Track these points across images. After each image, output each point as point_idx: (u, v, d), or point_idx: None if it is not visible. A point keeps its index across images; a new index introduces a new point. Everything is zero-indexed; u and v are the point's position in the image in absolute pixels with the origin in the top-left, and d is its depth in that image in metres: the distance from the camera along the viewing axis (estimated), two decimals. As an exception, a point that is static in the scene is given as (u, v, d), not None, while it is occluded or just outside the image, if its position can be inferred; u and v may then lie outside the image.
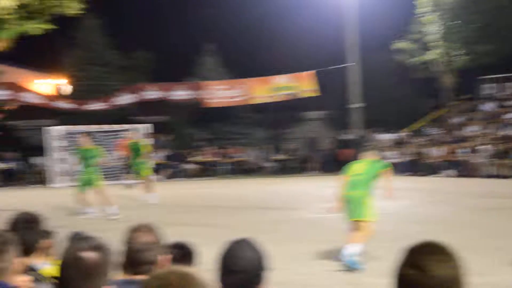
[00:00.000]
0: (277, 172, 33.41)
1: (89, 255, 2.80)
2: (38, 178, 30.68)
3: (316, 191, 22.66)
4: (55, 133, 28.28)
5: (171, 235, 4.96)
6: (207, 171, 32.99)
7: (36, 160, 30.81)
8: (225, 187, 26.33)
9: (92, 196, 16.58)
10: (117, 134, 30.08)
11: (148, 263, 3.46)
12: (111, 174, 30.20)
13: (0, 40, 4.39)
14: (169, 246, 4.52)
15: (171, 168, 31.82)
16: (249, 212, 17.10)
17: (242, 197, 21.81)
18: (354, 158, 10.51)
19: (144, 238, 3.49)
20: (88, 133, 19.83)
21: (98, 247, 2.84)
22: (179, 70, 36.88)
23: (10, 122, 36.49)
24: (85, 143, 17.06)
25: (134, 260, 3.46)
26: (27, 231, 4.05)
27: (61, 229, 6.30)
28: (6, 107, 34.95)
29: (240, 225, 14.04)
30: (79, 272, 2.76)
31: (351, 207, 9.65)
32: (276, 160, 34.07)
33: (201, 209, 18.19)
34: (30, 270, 3.87)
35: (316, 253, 10.62)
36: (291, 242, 11.81)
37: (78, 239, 2.77)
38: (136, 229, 3.54)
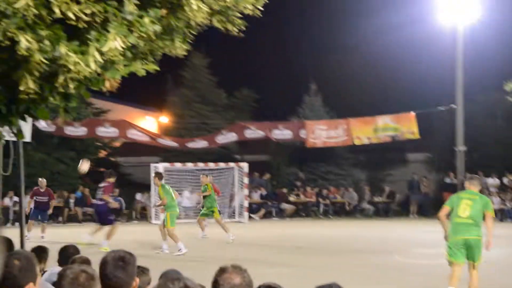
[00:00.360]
0: (376, 214, 33.03)
1: None
2: (142, 214, 31.55)
3: (414, 235, 22.28)
4: (160, 170, 28.91)
5: (262, 276, 5.09)
6: (303, 211, 32.98)
7: (140, 196, 31.68)
8: (321, 228, 26.25)
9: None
10: (220, 173, 30.73)
11: None
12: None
13: (108, 80, 4.74)
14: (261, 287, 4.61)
15: (267, 208, 32.01)
16: (344, 255, 17.00)
17: (338, 239, 21.69)
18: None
19: (234, 280, 3.44)
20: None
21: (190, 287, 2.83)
22: (282, 109, 37.33)
23: (114, 158, 37.78)
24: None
25: None
26: (119, 270, 4.15)
27: (156, 266, 6.58)
28: (112, 144, 36.39)
29: (334, 268, 14.00)
30: None
31: (473, 250, 9.69)
32: (375, 202, 33.72)
33: (296, 250, 18.21)
34: None
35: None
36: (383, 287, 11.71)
37: (169, 278, 2.86)
38: (226, 270, 3.50)
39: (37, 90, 4.74)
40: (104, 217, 18.42)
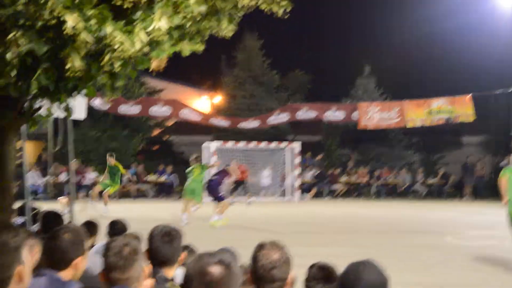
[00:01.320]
0: (429, 196, 32.72)
1: (215, 269, 2.82)
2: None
3: (467, 217, 22.04)
4: (213, 149, 29.26)
5: (313, 256, 5.17)
6: (355, 192, 32.89)
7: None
8: (373, 209, 26.15)
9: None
10: (271, 153, 30.88)
11: (277, 280, 3.47)
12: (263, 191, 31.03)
13: (154, 60, 4.82)
14: (312, 267, 4.66)
15: (318, 188, 32.00)
16: (395, 235, 16.95)
17: (389, 219, 21.59)
18: None
19: (273, 256, 3.49)
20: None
21: (224, 262, 2.85)
22: (335, 90, 37.14)
23: (166, 137, 38.23)
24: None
25: (262, 277, 3.47)
26: (165, 244, 4.31)
27: (200, 243, 6.71)
28: (165, 123, 36.83)
29: (385, 248, 13.98)
30: (204, 286, 2.79)
31: None
32: (428, 184, 33.39)
33: (347, 230, 18.25)
34: (162, 281, 4.18)
35: (464, 283, 10.44)
36: (435, 268, 11.66)
37: (204, 253, 2.93)
38: (264, 246, 3.55)
39: (84, 69, 4.87)
40: (216, 193, 18.90)
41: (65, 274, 3.94)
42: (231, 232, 17.05)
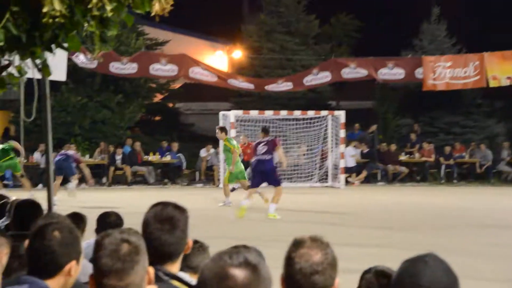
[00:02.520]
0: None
1: (238, 273, 2.80)
2: (208, 175, 31.94)
3: None
4: (231, 119, 29.10)
5: (364, 257, 5.16)
6: (418, 174, 32.77)
7: (204, 153, 31.96)
8: (442, 197, 26.07)
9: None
10: (309, 124, 30.81)
11: None
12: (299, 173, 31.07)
13: (157, 1, 4.73)
14: (369, 272, 4.63)
15: (370, 170, 31.88)
16: (473, 231, 16.87)
17: (465, 210, 21.50)
18: None
19: (314, 257, 3.42)
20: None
21: (250, 264, 2.83)
22: (392, 40, 36.92)
23: (172, 104, 38.28)
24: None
25: (300, 285, 3.41)
26: (165, 234, 4.22)
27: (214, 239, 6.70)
28: (170, 86, 36.83)
29: (459, 248, 13.93)
30: None
31: None
32: (516, 164, 33.23)
33: (407, 224, 18.20)
34: (166, 279, 4.17)
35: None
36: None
37: (226, 251, 2.90)
38: (303, 244, 3.47)
39: (66, 13, 4.85)
40: (273, 176, 19.53)
41: (54, 283, 3.93)
42: (253, 227, 17.13)
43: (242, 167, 21.78)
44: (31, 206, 6.65)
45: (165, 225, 4.21)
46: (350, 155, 31.25)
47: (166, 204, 4.34)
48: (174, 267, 4.27)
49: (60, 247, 3.93)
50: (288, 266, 3.42)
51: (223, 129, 22.40)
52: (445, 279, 3.23)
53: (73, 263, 3.97)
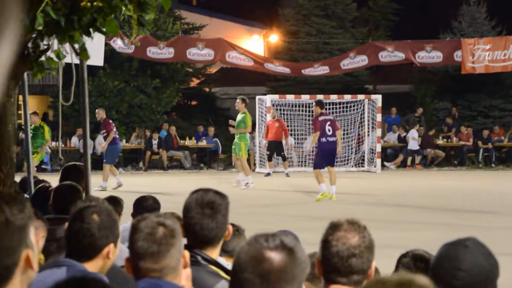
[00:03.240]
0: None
1: (275, 255, 2.79)
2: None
3: None
4: (268, 103, 29.08)
5: (401, 241, 5.13)
6: (456, 159, 32.55)
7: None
8: (481, 181, 25.87)
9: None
10: (345, 107, 30.70)
11: (356, 272, 3.43)
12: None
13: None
14: (406, 256, 4.60)
15: (406, 154, 31.73)
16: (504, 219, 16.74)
17: (505, 195, 21.32)
18: None
19: (351, 240, 3.43)
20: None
21: (286, 246, 2.82)
22: (430, 23, 36.66)
23: (208, 89, 38.33)
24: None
25: (337, 268, 3.43)
26: (206, 218, 4.23)
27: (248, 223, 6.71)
28: (206, 71, 36.88)
29: (499, 234, 13.82)
30: (259, 277, 2.76)
31: None
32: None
33: (444, 209, 18.08)
34: (204, 263, 4.17)
35: None
36: None
37: (262, 234, 2.89)
38: (340, 227, 3.48)
39: (104, -3, 4.88)
40: (334, 158, 20.08)
41: (92, 266, 3.96)
42: (287, 211, 17.16)
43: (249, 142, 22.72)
44: (70, 189, 6.68)
45: (206, 210, 4.23)
46: (412, 137, 31.26)
47: (207, 190, 4.35)
48: (214, 253, 4.29)
49: (99, 230, 3.96)
50: (324, 249, 3.44)
51: (244, 101, 22.38)
52: (485, 263, 3.23)
53: (111, 246, 4.00)
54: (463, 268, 3.18)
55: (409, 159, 31.36)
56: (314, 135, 19.83)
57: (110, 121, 22.39)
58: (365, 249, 3.42)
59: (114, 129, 22.24)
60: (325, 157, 19.34)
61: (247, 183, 22.11)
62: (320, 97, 29.09)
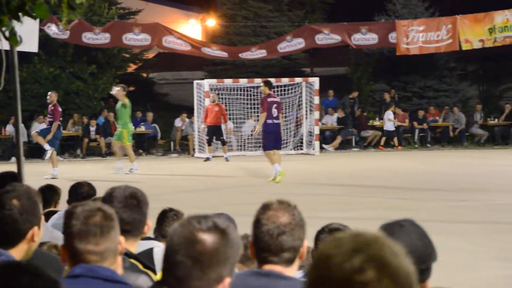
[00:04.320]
0: (491, 142, 32.69)
1: (207, 237, 2.77)
2: (183, 145, 31.80)
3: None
4: (206, 88, 28.93)
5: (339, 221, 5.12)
6: (391, 139, 32.88)
7: (179, 122, 31.83)
8: (416, 161, 26.18)
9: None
10: (283, 91, 30.73)
11: (287, 250, 3.47)
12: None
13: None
14: (323, 232, 4.59)
15: (344, 136, 31.93)
16: (448, 195, 16.95)
17: (439, 174, 21.61)
18: None
19: (281, 218, 3.47)
20: None
21: (219, 228, 2.80)
22: (365, 5, 36.82)
23: (146, 74, 38.09)
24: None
25: (268, 246, 3.47)
26: (130, 209, 4.24)
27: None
28: (143, 56, 36.65)
29: (432, 211, 14.03)
30: (191, 258, 2.75)
31: None
32: (489, 126, 33.31)
33: (380, 189, 18.27)
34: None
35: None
36: (492, 234, 11.72)
37: (195, 216, 2.87)
38: (270, 207, 3.52)
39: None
40: (280, 140, 20.84)
41: (17, 252, 3.88)
42: (227, 196, 17.15)
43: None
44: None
45: (131, 201, 4.27)
46: (388, 118, 31.51)
47: (128, 186, 4.45)
48: (134, 245, 4.30)
49: (21, 215, 3.88)
50: (256, 229, 3.50)
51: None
52: (419, 243, 3.30)
53: (35, 228, 3.92)
54: (401, 240, 3.16)
55: (383, 139, 31.97)
56: (261, 115, 19.89)
57: (60, 109, 21.98)
58: (295, 226, 3.47)
59: (60, 119, 22.04)
60: (272, 138, 19.51)
61: (131, 168, 22.39)
62: (257, 81, 29.17)
